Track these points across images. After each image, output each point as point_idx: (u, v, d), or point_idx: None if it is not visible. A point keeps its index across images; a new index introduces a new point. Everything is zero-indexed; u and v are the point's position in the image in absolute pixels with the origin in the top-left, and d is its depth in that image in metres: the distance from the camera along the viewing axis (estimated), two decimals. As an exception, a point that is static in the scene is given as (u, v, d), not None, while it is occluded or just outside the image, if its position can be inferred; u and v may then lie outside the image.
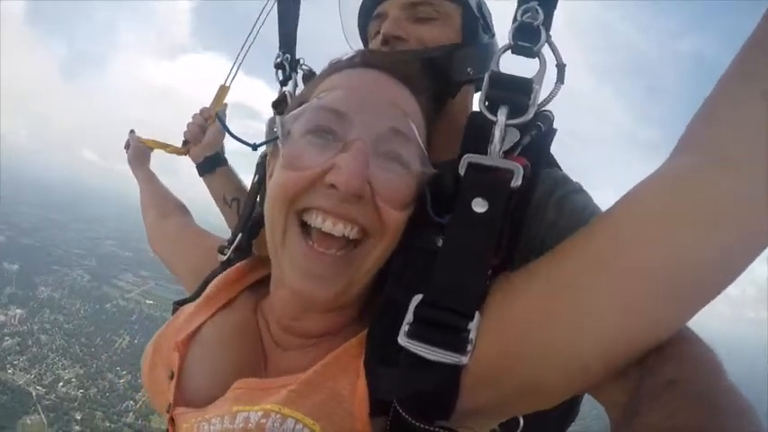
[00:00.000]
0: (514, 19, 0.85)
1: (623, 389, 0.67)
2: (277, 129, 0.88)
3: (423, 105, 0.92)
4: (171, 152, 1.96)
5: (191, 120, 1.92)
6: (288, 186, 0.83)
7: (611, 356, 0.66)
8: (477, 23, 1.27)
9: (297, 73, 1.45)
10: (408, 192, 0.84)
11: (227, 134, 1.80)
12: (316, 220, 0.81)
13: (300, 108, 0.88)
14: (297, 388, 0.77)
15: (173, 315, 1.12)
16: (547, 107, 0.83)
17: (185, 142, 1.93)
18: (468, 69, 1.23)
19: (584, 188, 1.16)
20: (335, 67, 0.95)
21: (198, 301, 1.06)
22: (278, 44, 1.50)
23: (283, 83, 1.47)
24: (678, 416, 0.56)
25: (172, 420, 0.92)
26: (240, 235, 1.23)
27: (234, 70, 1.89)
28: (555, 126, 0.83)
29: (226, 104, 1.90)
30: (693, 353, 0.65)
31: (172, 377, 0.93)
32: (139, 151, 2.02)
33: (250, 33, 1.76)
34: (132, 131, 2.08)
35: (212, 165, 1.86)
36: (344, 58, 0.97)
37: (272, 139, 0.92)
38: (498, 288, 0.73)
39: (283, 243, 0.86)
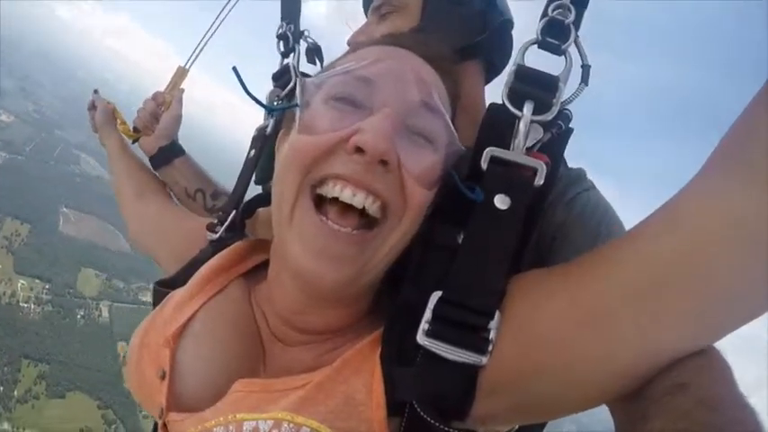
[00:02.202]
0: (544, 13, 0.83)
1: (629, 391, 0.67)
2: (296, 95, 0.83)
3: (449, 87, 0.89)
4: (122, 131, 1.78)
5: (141, 105, 1.75)
6: (304, 151, 0.77)
7: (630, 379, 0.65)
8: (436, 1, 1.27)
9: (299, 45, 1.39)
10: (435, 170, 0.79)
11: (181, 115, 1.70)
12: (333, 190, 0.75)
13: (323, 75, 0.84)
14: (308, 393, 0.73)
15: (155, 299, 1.04)
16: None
17: (136, 129, 1.76)
18: None
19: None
20: (361, 44, 0.93)
21: (188, 287, 0.96)
22: (280, 14, 1.43)
23: (285, 54, 1.40)
24: (683, 421, 0.57)
25: (165, 426, 0.84)
26: (234, 212, 1.15)
27: (195, 53, 1.77)
28: (572, 125, 0.82)
29: (182, 89, 1.76)
30: (703, 358, 0.64)
31: (163, 377, 0.84)
32: (107, 115, 1.80)
33: (215, 21, 1.67)
34: (96, 91, 1.89)
35: (169, 156, 1.69)
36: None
37: (291, 105, 0.87)
38: (517, 289, 0.72)
39: (291, 218, 0.78)
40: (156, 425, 0.90)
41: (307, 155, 0.77)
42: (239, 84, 0.89)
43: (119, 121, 1.79)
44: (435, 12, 1.26)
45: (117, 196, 1.60)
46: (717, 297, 0.60)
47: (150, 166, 1.70)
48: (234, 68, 0.89)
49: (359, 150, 0.72)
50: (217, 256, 1.00)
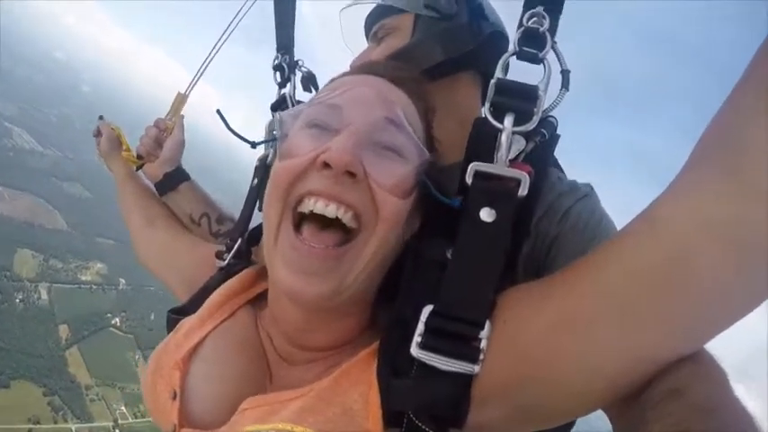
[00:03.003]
0: (520, 24, 0.84)
1: (627, 396, 0.68)
2: (275, 128, 0.89)
3: (419, 107, 0.95)
4: (125, 157, 1.79)
5: (143, 132, 1.76)
6: (282, 175, 0.83)
7: (619, 386, 0.67)
8: (425, 20, 1.33)
9: (295, 75, 1.42)
10: (404, 178, 0.83)
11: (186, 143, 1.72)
12: (308, 204, 0.80)
13: (299, 107, 0.90)
14: (307, 404, 0.76)
15: (168, 326, 1.09)
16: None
17: (139, 157, 1.76)
18: None
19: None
20: (336, 76, 1.00)
21: (199, 314, 1.01)
22: (276, 46, 1.45)
23: (282, 85, 1.43)
24: (681, 426, 0.57)
25: None
26: (240, 240, 1.20)
27: (195, 79, 1.80)
28: (558, 132, 0.84)
29: (182, 116, 1.78)
30: (697, 364, 0.65)
31: (174, 397, 0.89)
32: (113, 141, 1.83)
33: (216, 44, 1.69)
34: (101, 118, 1.90)
35: (174, 181, 1.69)
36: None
37: (271, 139, 0.94)
38: (507, 300, 0.74)
39: (276, 241, 0.84)
40: None
41: (285, 177, 0.83)
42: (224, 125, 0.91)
43: (123, 148, 1.80)
44: (424, 29, 1.31)
45: (126, 222, 1.64)
46: (699, 301, 0.62)
47: (154, 191, 1.72)
48: (218, 111, 0.88)
49: (327, 166, 0.78)
50: (225, 284, 1.06)
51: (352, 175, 0.77)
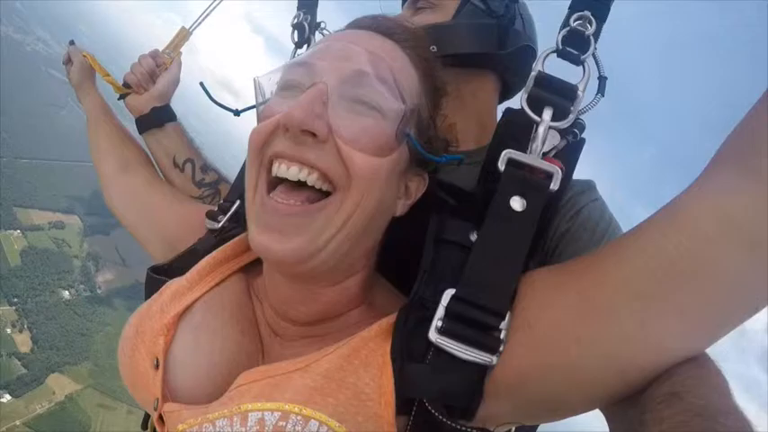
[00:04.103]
0: (565, 23, 0.85)
1: (626, 398, 0.68)
2: (256, 93, 0.87)
3: (412, 56, 0.88)
4: (108, 82, 1.66)
5: (136, 61, 1.65)
6: (254, 137, 0.81)
7: (628, 380, 0.67)
8: (472, 8, 1.32)
9: (315, 37, 1.37)
10: (379, 134, 0.78)
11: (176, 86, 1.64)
12: (275, 167, 0.78)
13: (275, 69, 0.87)
14: (316, 384, 0.72)
15: (149, 286, 1.02)
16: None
17: (126, 85, 1.64)
18: (432, 47, 1.24)
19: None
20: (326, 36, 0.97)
21: (188, 277, 0.94)
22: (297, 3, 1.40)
23: (299, 45, 1.38)
24: (680, 429, 0.57)
25: (160, 419, 0.82)
26: (239, 202, 1.13)
27: (201, 18, 1.71)
28: (584, 136, 0.84)
29: (181, 52, 1.69)
30: (699, 369, 0.65)
31: (157, 366, 0.83)
32: (85, 70, 1.67)
33: None
34: (72, 42, 1.74)
35: (163, 118, 1.60)
36: None
37: (252, 106, 0.91)
38: (526, 288, 0.73)
39: (253, 201, 0.82)
40: (146, 420, 0.89)
41: (255, 139, 0.81)
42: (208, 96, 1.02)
43: (102, 73, 1.67)
44: (468, 15, 1.30)
45: (96, 164, 1.50)
46: (718, 295, 0.62)
47: (130, 132, 1.62)
48: (201, 84, 1.02)
49: (286, 128, 0.76)
50: (220, 248, 0.99)
51: (312, 134, 0.74)
